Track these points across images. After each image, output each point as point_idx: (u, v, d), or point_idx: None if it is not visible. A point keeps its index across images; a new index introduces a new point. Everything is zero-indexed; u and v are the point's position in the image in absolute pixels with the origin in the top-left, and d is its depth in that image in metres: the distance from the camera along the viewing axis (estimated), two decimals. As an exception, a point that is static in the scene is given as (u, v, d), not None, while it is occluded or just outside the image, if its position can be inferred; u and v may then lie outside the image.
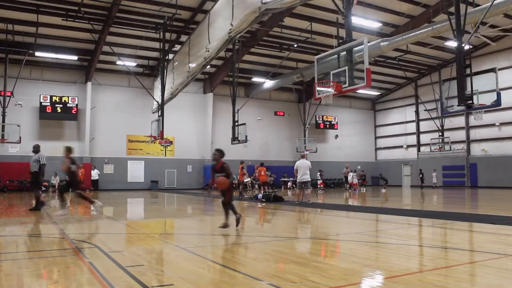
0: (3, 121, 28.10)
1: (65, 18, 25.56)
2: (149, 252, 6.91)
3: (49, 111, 30.84)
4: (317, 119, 41.31)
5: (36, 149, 13.99)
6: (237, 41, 26.77)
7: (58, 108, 31.04)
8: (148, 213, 15.99)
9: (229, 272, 5.35)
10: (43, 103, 30.67)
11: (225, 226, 8.93)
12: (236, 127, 28.24)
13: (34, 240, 8.11)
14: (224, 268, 5.54)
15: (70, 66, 32.16)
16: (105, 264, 5.60)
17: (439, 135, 36.99)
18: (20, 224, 10.90)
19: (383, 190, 29.47)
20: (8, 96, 28.58)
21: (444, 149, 36.50)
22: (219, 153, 9.13)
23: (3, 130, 27.82)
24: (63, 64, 31.90)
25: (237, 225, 9.20)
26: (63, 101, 31.21)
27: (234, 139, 27.96)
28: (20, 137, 28.05)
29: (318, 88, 13.57)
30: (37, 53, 28.99)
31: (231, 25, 19.31)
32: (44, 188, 29.52)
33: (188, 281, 4.71)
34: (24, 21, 26.27)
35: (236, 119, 28.33)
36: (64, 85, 32.14)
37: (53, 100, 30.94)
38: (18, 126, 28.21)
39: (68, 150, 12.74)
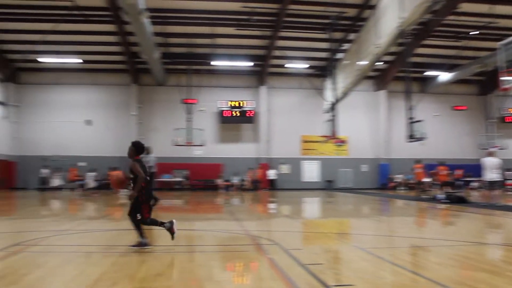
0: (190, 126, 31.32)
1: (237, 28, 27.45)
2: (327, 251, 6.98)
3: (228, 115, 33.28)
4: (503, 112, 37.25)
5: (148, 151, 14.35)
6: (408, 34, 25.60)
7: (235, 112, 33.30)
8: (324, 212, 16.17)
9: (411, 275, 5.13)
10: (222, 108, 33.25)
11: (140, 244, 6.55)
12: (412, 124, 26.94)
13: (219, 235, 8.77)
14: (405, 271, 5.32)
15: (244, 72, 34.26)
16: (285, 261, 5.79)
17: None
18: (206, 220, 11.94)
19: None
20: (193, 103, 31.87)
21: None
22: (133, 147, 6.83)
23: (189, 134, 31.02)
24: (237, 71, 34.11)
25: (133, 245, 6.57)
26: (239, 105, 33.41)
27: (410, 137, 26.69)
28: (204, 141, 31.07)
29: (504, 78, 12.27)
30: (213, 62, 31.68)
31: (401, 17, 18.58)
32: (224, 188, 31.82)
33: (368, 282, 4.64)
34: (202, 34, 28.94)
35: (411, 116, 27.06)
36: (240, 90, 34.33)
37: (231, 105, 33.31)
38: (202, 130, 31.27)
39: None
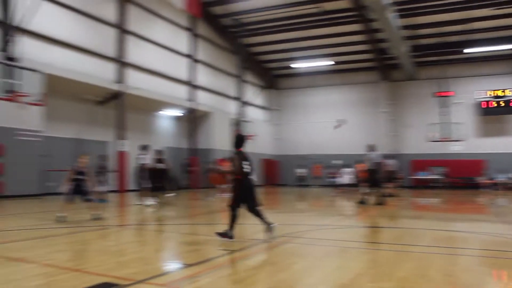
0: (445, 120, 29.59)
1: (494, 8, 24.61)
2: None
3: (488, 106, 30.04)
4: None
5: (372, 148, 14.93)
6: None
7: (497, 102, 29.80)
8: None
9: None
10: (480, 99, 30.19)
11: (224, 235, 6.67)
12: None
13: (485, 239, 7.91)
14: None
15: (506, 56, 30.28)
16: None
17: None
18: (469, 221, 11.03)
19: None
20: (447, 96, 29.97)
21: None
22: (233, 139, 7.08)
23: (445, 129, 29.36)
24: (497, 56, 30.26)
25: (218, 233, 6.80)
26: (502, 94, 29.81)
27: None
28: (462, 135, 29.00)
29: None
30: (468, 50, 28.79)
31: None
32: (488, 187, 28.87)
33: None
34: (453, 21, 26.78)
35: None
36: (501, 77, 30.39)
37: (491, 95, 29.95)
38: (460, 124, 29.15)
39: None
